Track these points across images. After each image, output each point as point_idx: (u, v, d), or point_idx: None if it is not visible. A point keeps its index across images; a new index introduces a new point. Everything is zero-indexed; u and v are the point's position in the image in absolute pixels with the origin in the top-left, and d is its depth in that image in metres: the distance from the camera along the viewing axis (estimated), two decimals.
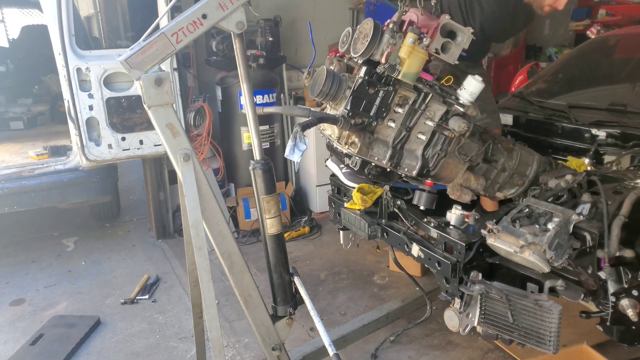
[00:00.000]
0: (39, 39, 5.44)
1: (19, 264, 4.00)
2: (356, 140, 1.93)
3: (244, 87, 1.79)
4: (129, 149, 3.61)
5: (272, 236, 1.89)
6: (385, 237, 2.44)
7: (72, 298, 3.47)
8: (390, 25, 1.82)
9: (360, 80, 1.85)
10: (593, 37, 4.02)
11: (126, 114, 3.55)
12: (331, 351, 1.87)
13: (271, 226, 1.87)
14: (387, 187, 2.43)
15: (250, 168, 1.84)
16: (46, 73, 5.60)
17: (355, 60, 1.92)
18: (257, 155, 1.84)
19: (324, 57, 2.24)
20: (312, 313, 1.96)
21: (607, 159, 2.33)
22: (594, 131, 2.40)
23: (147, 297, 3.43)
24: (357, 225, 2.55)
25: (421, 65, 1.84)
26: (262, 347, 1.96)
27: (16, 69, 6.12)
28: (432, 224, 2.15)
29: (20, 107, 5.43)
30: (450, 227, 2.11)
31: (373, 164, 2.02)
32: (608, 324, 1.78)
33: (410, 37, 1.79)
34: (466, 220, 2.11)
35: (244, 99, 1.81)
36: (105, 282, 3.69)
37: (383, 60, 1.81)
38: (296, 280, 2.00)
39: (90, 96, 3.42)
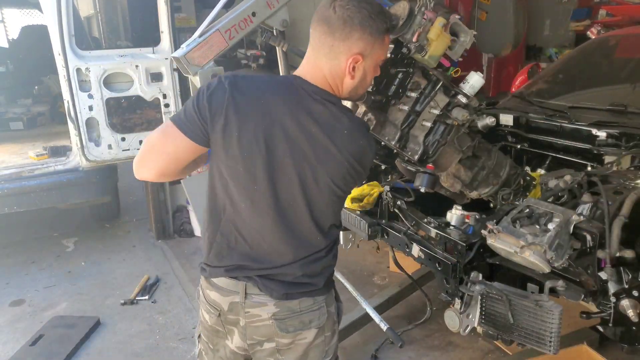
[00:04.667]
0: (38, 39, 5.43)
1: (19, 265, 4.00)
2: (372, 117, 2.04)
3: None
4: (128, 150, 3.61)
5: None
6: (386, 237, 2.44)
7: (72, 299, 3.47)
8: (422, 9, 1.92)
9: (387, 58, 1.90)
10: (593, 37, 4.02)
11: (126, 115, 3.55)
12: (384, 326, 2.16)
13: None
14: (387, 187, 2.43)
15: None
16: (46, 73, 5.59)
17: None
18: None
19: None
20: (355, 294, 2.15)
21: (607, 159, 2.32)
22: (594, 131, 2.39)
23: (147, 297, 3.43)
24: (357, 226, 2.55)
25: (444, 49, 1.93)
26: None
27: (16, 69, 6.11)
28: (433, 225, 2.15)
29: (20, 108, 5.43)
30: (451, 227, 2.11)
31: (383, 143, 2.14)
32: (609, 324, 1.78)
33: (440, 21, 1.88)
34: (466, 220, 2.11)
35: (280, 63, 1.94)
36: (105, 282, 3.69)
37: (415, 39, 1.88)
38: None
39: (90, 96, 3.42)
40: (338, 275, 2.19)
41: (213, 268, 1.45)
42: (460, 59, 2.01)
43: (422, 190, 2.21)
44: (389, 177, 2.70)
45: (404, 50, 1.93)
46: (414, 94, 2.02)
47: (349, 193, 1.61)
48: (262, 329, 1.44)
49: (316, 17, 1.34)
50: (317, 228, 1.40)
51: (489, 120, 2.42)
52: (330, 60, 1.33)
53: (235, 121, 1.30)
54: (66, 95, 3.39)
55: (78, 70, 3.34)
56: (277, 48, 1.89)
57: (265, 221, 1.38)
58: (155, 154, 1.36)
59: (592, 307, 1.89)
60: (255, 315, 1.43)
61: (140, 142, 3.63)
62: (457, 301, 1.99)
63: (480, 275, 1.94)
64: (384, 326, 2.02)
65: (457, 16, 1.96)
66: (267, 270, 1.41)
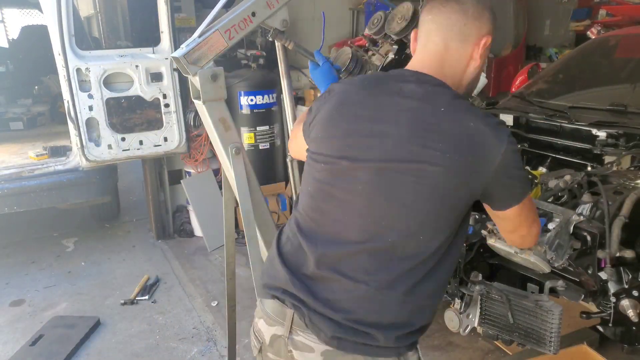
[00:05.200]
0: (38, 39, 5.43)
1: (19, 265, 4.00)
2: None
3: (284, 83, 1.93)
4: (128, 150, 3.61)
5: None
6: None
7: (71, 299, 3.47)
8: None
9: (391, 58, 1.93)
10: (593, 37, 4.02)
11: (126, 115, 3.55)
12: None
13: None
14: None
15: (288, 160, 1.98)
16: (46, 73, 5.59)
17: (380, 40, 2.04)
18: None
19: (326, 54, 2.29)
20: None
21: (607, 159, 2.32)
22: (594, 131, 2.39)
23: (146, 297, 3.43)
24: None
25: None
26: None
27: (16, 69, 6.11)
28: None
29: (20, 108, 5.42)
30: None
31: None
32: (609, 324, 1.78)
33: None
34: None
35: (284, 94, 1.95)
36: (105, 282, 3.69)
37: None
38: None
39: (90, 96, 3.42)
40: None
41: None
42: None
43: None
44: None
45: (407, 51, 1.93)
46: None
47: None
48: None
49: (431, 3, 1.22)
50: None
51: None
52: (459, 43, 1.18)
53: None
54: (66, 95, 3.39)
55: (78, 70, 3.34)
56: (277, 48, 1.89)
57: None
58: None
59: (592, 307, 1.89)
60: None
61: (140, 142, 3.63)
62: (457, 301, 2.00)
63: (480, 275, 1.94)
64: None
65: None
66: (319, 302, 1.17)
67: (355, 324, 1.12)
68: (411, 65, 1.24)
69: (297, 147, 1.40)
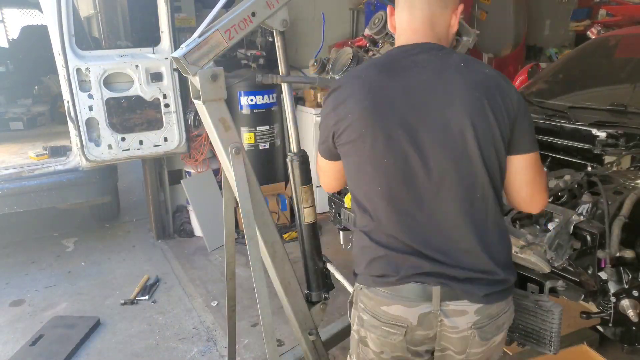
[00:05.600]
0: (38, 39, 5.44)
1: (19, 265, 4.00)
2: None
3: (285, 84, 1.92)
4: (128, 150, 3.61)
5: (308, 225, 2.01)
6: None
7: (72, 299, 3.47)
8: None
9: None
10: (593, 37, 4.01)
11: (126, 115, 3.55)
12: None
13: (308, 215, 2.00)
14: None
15: (287, 160, 1.96)
16: (46, 73, 5.60)
17: (380, 39, 2.03)
18: (294, 147, 1.96)
19: (326, 55, 2.28)
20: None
21: (607, 159, 2.32)
22: (594, 131, 2.39)
23: (146, 297, 3.43)
24: None
25: None
26: (298, 332, 2.03)
27: (16, 69, 6.11)
28: None
29: (20, 108, 5.42)
30: None
31: None
32: (609, 324, 1.78)
33: None
34: None
35: (284, 95, 1.93)
36: (105, 282, 3.69)
37: None
38: (329, 266, 2.13)
39: (90, 96, 3.41)
40: (338, 275, 2.21)
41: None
42: None
43: None
44: None
45: None
46: None
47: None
48: (457, 341, 1.33)
49: None
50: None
51: None
52: (441, 9, 1.30)
53: None
54: (66, 95, 3.39)
55: (78, 70, 3.34)
56: (277, 48, 1.88)
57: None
58: None
59: (592, 307, 1.90)
60: (452, 327, 1.31)
61: (140, 142, 3.64)
62: None
63: None
64: None
65: (460, 16, 1.96)
66: (463, 271, 1.28)
67: (495, 275, 1.28)
68: (405, 39, 1.32)
69: (330, 170, 1.47)
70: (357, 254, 1.40)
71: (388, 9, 1.39)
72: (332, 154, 1.40)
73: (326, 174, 1.52)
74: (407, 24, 1.31)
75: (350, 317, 1.50)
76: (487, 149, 1.23)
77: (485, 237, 1.28)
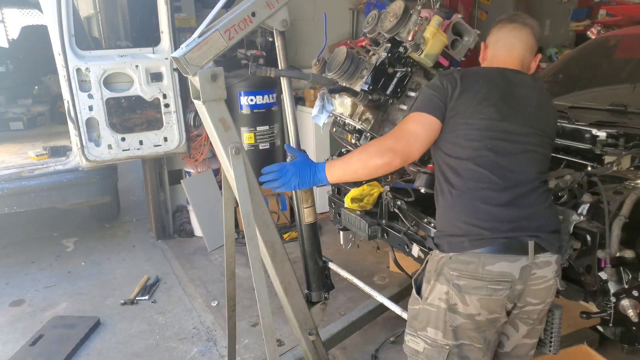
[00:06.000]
0: (38, 39, 5.44)
1: (19, 265, 4.00)
2: (370, 116, 2.04)
3: (284, 83, 1.94)
4: (128, 150, 3.61)
5: (308, 225, 2.03)
6: (386, 237, 2.44)
7: (71, 299, 3.47)
8: (418, 8, 1.93)
9: (383, 57, 1.92)
10: (593, 37, 4.01)
11: (126, 115, 3.55)
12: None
13: (308, 215, 2.01)
14: (387, 188, 2.43)
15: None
16: (46, 73, 5.60)
17: (378, 39, 2.04)
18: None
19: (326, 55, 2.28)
20: (367, 289, 2.30)
21: (607, 159, 2.32)
22: (594, 131, 2.39)
23: (146, 297, 3.43)
24: (357, 226, 2.55)
25: (441, 48, 1.94)
26: (298, 333, 2.04)
27: (16, 69, 6.12)
28: (433, 224, 2.15)
29: (20, 108, 5.43)
30: None
31: None
32: (609, 324, 1.78)
33: (436, 20, 1.89)
34: None
35: (284, 95, 1.95)
36: (105, 282, 3.69)
37: (410, 38, 1.89)
38: (332, 265, 2.15)
39: (90, 96, 3.42)
40: (343, 272, 2.22)
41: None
42: (464, 59, 2.01)
43: (422, 190, 2.21)
44: (389, 177, 2.70)
45: (401, 49, 1.93)
46: (414, 94, 2.00)
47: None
48: (542, 291, 1.57)
49: (512, 24, 1.74)
50: None
51: None
52: (529, 54, 1.72)
53: None
54: (66, 95, 3.39)
55: (78, 70, 3.34)
56: (277, 47, 1.88)
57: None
58: None
59: (592, 307, 1.89)
60: (541, 277, 1.55)
61: (140, 142, 3.63)
62: None
63: None
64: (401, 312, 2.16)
65: (459, 16, 1.96)
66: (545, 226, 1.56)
67: (557, 231, 1.62)
68: (499, 65, 1.71)
69: (430, 124, 1.61)
70: (444, 223, 1.63)
71: (482, 45, 1.78)
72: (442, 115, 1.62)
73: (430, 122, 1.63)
74: (503, 60, 1.70)
75: (420, 293, 1.65)
76: (544, 139, 1.66)
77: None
